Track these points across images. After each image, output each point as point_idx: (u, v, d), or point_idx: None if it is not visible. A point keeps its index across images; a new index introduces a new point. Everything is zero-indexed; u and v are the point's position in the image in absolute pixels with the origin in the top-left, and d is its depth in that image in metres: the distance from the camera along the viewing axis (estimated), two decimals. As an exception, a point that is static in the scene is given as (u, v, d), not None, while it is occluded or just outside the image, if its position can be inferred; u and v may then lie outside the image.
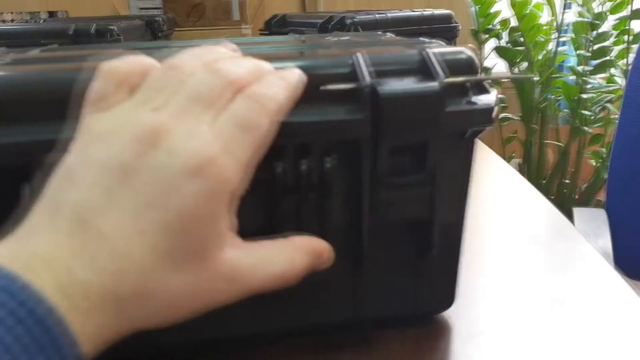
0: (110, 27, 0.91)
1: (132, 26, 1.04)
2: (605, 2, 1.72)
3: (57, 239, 0.23)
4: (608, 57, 1.73)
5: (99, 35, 0.90)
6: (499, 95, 0.35)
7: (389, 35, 0.50)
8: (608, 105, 1.71)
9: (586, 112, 1.74)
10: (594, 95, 1.76)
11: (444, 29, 1.16)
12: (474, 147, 0.36)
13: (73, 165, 0.25)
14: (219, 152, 0.25)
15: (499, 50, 1.86)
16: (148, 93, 0.27)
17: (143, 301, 0.24)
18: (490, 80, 0.35)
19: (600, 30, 1.73)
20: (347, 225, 0.35)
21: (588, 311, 0.42)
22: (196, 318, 0.27)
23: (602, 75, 1.82)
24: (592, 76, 1.75)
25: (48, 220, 0.24)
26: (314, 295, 0.37)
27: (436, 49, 0.35)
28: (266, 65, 0.30)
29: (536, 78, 0.46)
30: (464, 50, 0.35)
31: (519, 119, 1.91)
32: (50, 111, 0.28)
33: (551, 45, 1.84)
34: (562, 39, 1.86)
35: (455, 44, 1.19)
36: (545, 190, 1.95)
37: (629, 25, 1.69)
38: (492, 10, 1.82)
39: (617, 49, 1.75)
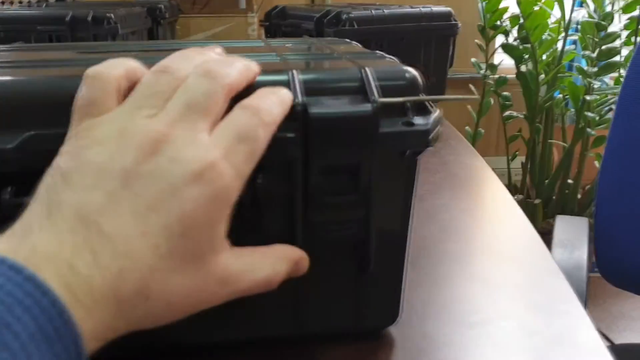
0: (107, 14, 0.91)
1: (131, 13, 1.04)
2: (614, 1, 1.69)
3: (57, 236, 0.23)
4: (617, 59, 1.70)
5: (96, 23, 0.90)
6: (440, 115, 0.34)
7: (355, 44, 0.49)
8: (614, 107, 1.69)
9: (590, 114, 1.72)
10: (599, 97, 1.73)
11: (442, 27, 1.15)
12: (416, 166, 0.36)
13: (68, 169, 0.25)
14: (219, 159, 0.26)
15: (505, 48, 1.84)
16: (142, 98, 0.27)
17: (143, 301, 0.25)
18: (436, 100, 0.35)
19: (610, 30, 1.70)
20: (285, 242, 0.34)
21: (538, 329, 0.42)
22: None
23: (613, 75, 1.80)
24: (598, 77, 1.72)
25: (46, 219, 0.24)
26: (257, 309, 0.37)
27: (378, 67, 0.34)
28: (254, 66, 0.31)
29: (475, 98, 0.44)
30: (407, 69, 0.35)
31: (524, 117, 1.89)
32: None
33: (560, 44, 1.82)
34: (571, 38, 1.83)
35: (454, 42, 1.18)
36: (548, 190, 1.93)
37: (639, 26, 1.66)
38: (501, 6, 1.80)
39: (627, 49, 1.73)
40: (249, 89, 0.30)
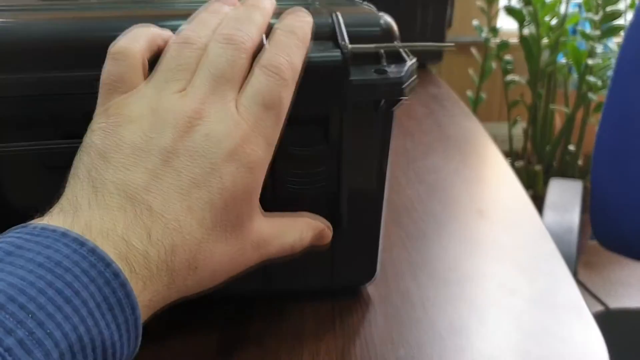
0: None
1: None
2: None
3: (109, 213, 0.24)
4: (621, 21, 1.66)
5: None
6: (415, 65, 0.33)
7: None
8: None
9: (592, 79, 1.69)
10: (601, 61, 1.70)
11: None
12: (392, 118, 0.34)
13: (105, 147, 0.26)
14: (249, 133, 0.27)
15: (508, 10, 1.80)
16: (168, 72, 0.28)
17: (192, 271, 0.26)
18: (410, 49, 0.33)
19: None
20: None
21: (518, 288, 0.41)
22: None
23: (618, 40, 1.76)
24: (602, 41, 1.68)
25: (93, 196, 0.25)
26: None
27: (351, 14, 0.33)
28: (270, 10, 0.31)
29: (451, 45, 0.42)
30: (381, 15, 0.33)
31: (526, 82, 1.86)
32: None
33: (563, 7, 1.78)
34: (574, 0, 1.79)
35: (452, 4, 1.15)
36: (549, 157, 1.91)
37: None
38: (504, -33, 1.75)
39: (632, 12, 1.68)
40: None
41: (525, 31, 1.80)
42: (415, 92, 0.33)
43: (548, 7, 1.71)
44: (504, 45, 1.86)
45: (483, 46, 1.93)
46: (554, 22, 1.78)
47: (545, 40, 1.78)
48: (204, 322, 0.37)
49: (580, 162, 1.91)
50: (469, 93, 2.01)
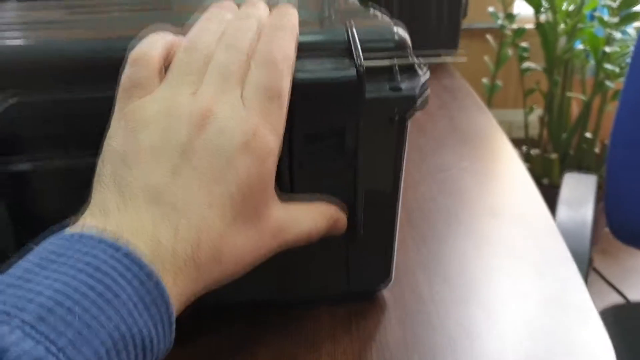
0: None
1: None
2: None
3: (137, 215, 0.26)
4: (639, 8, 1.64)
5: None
6: (426, 74, 0.33)
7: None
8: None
9: (609, 67, 1.67)
10: (619, 48, 1.68)
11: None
12: (405, 129, 0.35)
13: (125, 152, 0.27)
14: (258, 125, 0.28)
15: (525, -4, 1.78)
16: (181, 77, 0.30)
17: (217, 264, 0.28)
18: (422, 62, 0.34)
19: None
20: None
21: (528, 291, 0.42)
22: None
23: (636, 25, 1.74)
24: (620, 28, 1.67)
25: (121, 200, 0.26)
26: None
27: (365, 27, 0.33)
28: (264, 13, 0.34)
29: (462, 60, 0.43)
30: (396, 29, 0.34)
31: (542, 69, 1.85)
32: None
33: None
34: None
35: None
36: (565, 145, 1.90)
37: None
38: (521, -47, 1.73)
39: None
40: None
41: (542, 17, 1.79)
42: (430, 84, 0.34)
43: (566, -7, 1.69)
44: (520, 32, 1.84)
45: (499, 33, 1.91)
46: (571, 8, 1.76)
47: (562, 27, 1.76)
48: (221, 324, 0.39)
49: (597, 150, 1.89)
50: (485, 80, 2.00)
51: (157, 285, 0.24)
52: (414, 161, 0.65)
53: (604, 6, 1.70)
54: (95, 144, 0.32)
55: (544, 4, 1.74)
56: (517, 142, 1.84)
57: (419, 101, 0.33)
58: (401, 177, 0.36)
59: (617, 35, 1.67)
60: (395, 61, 0.33)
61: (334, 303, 0.40)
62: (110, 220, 0.26)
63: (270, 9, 0.35)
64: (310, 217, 0.33)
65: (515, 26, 1.86)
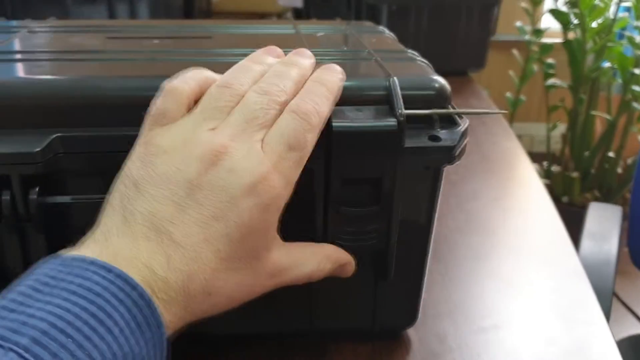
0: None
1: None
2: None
3: (134, 242, 0.27)
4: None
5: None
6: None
7: (388, 35, 0.48)
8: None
9: (637, 88, 1.65)
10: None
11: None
12: (440, 177, 0.35)
13: (140, 177, 0.28)
14: (271, 171, 0.28)
15: (554, 13, 1.76)
16: (206, 111, 0.30)
17: (207, 296, 0.28)
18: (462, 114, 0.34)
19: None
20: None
21: (555, 338, 0.41)
22: None
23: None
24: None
25: (122, 225, 0.27)
26: (273, 305, 0.37)
27: (406, 75, 0.34)
28: (308, 71, 0.33)
29: (504, 112, 0.43)
30: (435, 78, 0.34)
31: (568, 87, 1.83)
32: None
33: (611, 10, 1.73)
34: (625, 4, 1.75)
35: (498, 9, 1.14)
36: (587, 163, 1.89)
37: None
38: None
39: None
40: None
41: (570, 34, 1.77)
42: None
43: (596, 12, 1.67)
44: (547, 49, 1.83)
45: (525, 47, 1.90)
46: (599, 21, 1.73)
47: (590, 45, 1.74)
48: (246, 355, 0.39)
49: (619, 170, 1.87)
50: (508, 94, 1.98)
51: (149, 305, 0.25)
52: (443, 189, 0.65)
53: (635, 27, 1.68)
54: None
55: (573, 20, 1.73)
56: (538, 157, 1.84)
57: (456, 151, 0.32)
58: (433, 222, 0.36)
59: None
60: (435, 111, 0.33)
61: (359, 339, 0.40)
62: (109, 245, 0.27)
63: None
64: (314, 260, 0.33)
65: (542, 41, 1.85)
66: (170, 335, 0.27)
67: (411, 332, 0.42)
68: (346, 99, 0.32)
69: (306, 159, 0.30)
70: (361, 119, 0.31)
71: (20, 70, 0.35)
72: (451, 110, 0.33)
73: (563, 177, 1.89)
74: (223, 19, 1.45)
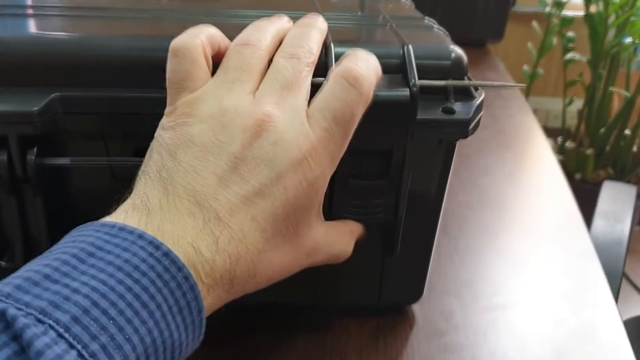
0: None
1: None
2: None
3: (179, 217, 0.25)
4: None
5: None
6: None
7: (405, 0, 0.46)
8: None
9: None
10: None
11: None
12: (453, 150, 0.34)
13: (175, 146, 0.26)
14: (317, 147, 0.27)
15: (577, -15, 1.72)
16: (233, 72, 0.28)
17: (251, 279, 0.27)
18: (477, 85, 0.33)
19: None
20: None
21: (562, 319, 0.41)
22: None
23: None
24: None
25: (164, 198, 0.25)
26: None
27: (422, 44, 0.32)
28: (325, 28, 0.32)
29: (522, 85, 0.41)
30: (452, 48, 0.33)
31: (587, 61, 1.79)
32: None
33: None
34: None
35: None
36: (602, 140, 1.86)
37: None
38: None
39: None
40: None
41: (592, 7, 1.72)
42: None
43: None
44: (568, 22, 1.78)
45: (545, 19, 1.85)
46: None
47: (612, 19, 1.70)
48: (250, 330, 0.38)
49: (635, 149, 1.84)
50: (526, 67, 1.94)
51: (193, 288, 0.24)
52: (454, 162, 0.64)
53: (659, 2, 1.63)
54: (135, 145, 0.31)
55: (596, -7, 1.68)
56: (552, 132, 1.81)
57: (471, 125, 0.31)
58: (443, 198, 0.35)
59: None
60: (450, 82, 0.31)
61: (364, 314, 0.40)
62: (153, 217, 0.25)
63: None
64: (344, 240, 0.32)
65: (563, 13, 1.80)
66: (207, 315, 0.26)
67: (416, 308, 0.41)
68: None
69: (351, 134, 0.28)
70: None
71: (20, 26, 0.33)
72: (467, 82, 0.32)
73: (577, 153, 1.87)
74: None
